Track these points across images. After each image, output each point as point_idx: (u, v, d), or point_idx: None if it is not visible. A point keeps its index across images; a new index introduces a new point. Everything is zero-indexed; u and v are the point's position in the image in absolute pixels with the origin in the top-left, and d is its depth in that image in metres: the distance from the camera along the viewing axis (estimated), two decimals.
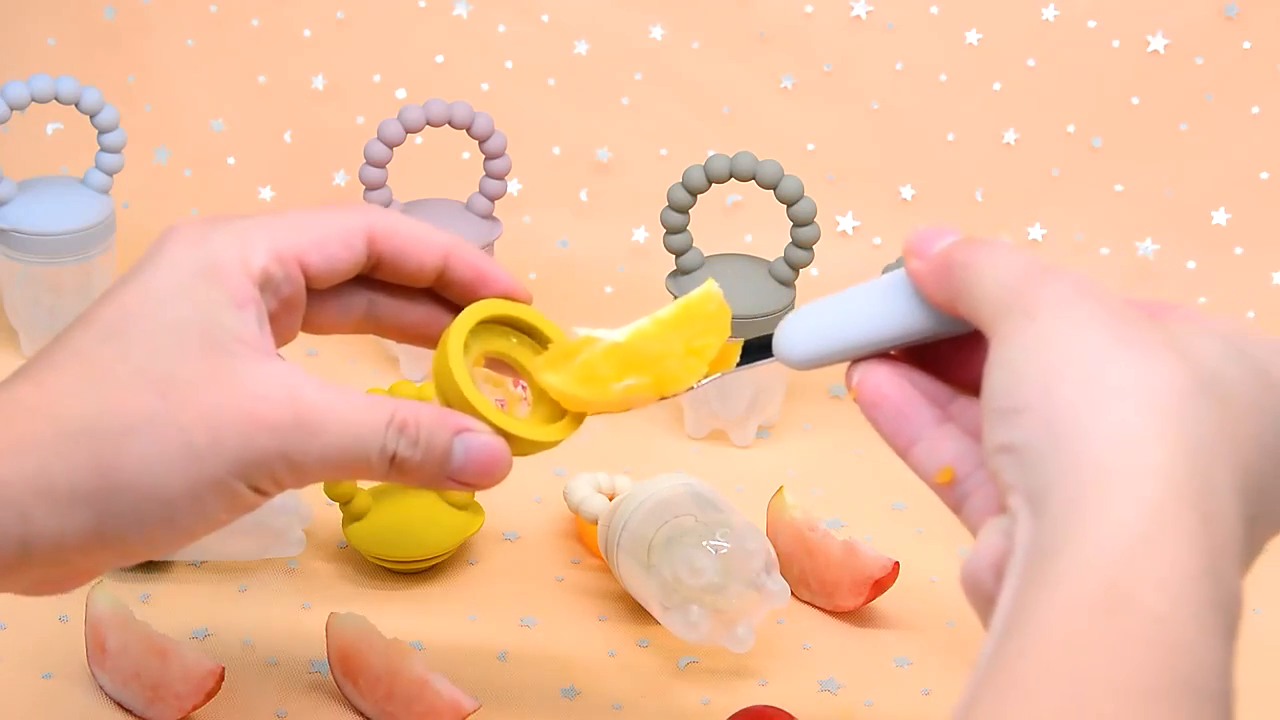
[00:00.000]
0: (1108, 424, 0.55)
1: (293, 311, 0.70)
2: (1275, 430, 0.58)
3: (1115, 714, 0.51)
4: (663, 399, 0.71)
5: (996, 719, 0.51)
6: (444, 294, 0.73)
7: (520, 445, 0.70)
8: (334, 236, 0.70)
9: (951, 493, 0.65)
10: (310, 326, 0.72)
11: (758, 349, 0.70)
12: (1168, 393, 0.55)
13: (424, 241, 0.71)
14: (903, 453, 0.66)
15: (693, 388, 0.71)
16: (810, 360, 0.66)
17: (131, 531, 0.64)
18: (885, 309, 0.65)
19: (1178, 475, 0.54)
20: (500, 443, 0.69)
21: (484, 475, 0.68)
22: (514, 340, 0.73)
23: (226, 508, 0.65)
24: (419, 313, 0.73)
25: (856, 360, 0.66)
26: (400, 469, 0.67)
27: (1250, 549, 0.58)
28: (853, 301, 0.65)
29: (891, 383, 0.65)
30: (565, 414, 0.72)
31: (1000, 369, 0.58)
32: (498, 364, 0.73)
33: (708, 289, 0.72)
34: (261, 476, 0.65)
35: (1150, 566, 0.53)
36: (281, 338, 0.70)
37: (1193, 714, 0.53)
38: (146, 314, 0.65)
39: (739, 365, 0.71)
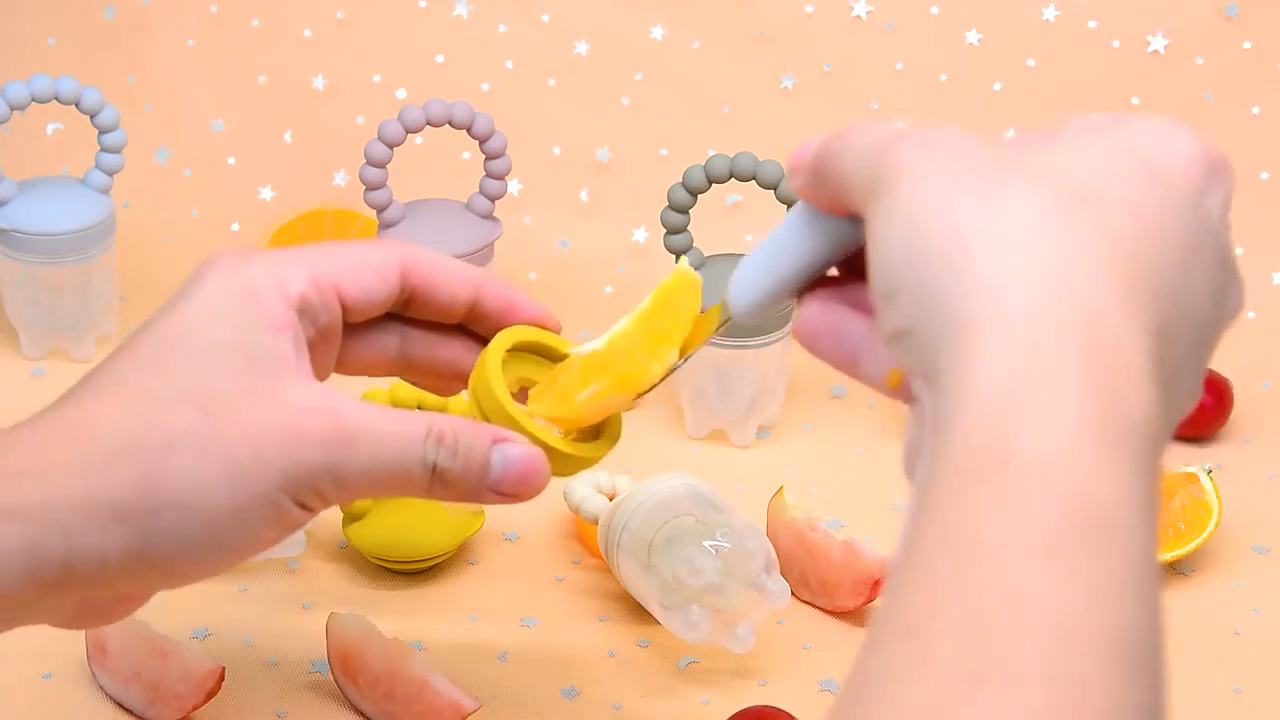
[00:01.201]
0: (970, 278, 0.52)
1: (329, 342, 0.70)
2: (1173, 227, 0.54)
3: (1018, 584, 0.47)
4: (641, 395, 0.71)
5: (901, 608, 0.48)
6: (474, 328, 0.73)
7: (558, 460, 0.70)
8: (368, 266, 0.70)
9: (906, 394, 0.60)
10: (344, 366, 0.72)
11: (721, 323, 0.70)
12: (1024, 224, 0.52)
13: (455, 274, 0.71)
14: (850, 372, 0.62)
15: (672, 369, 0.71)
16: (753, 305, 0.66)
17: (176, 550, 0.64)
18: (800, 237, 0.64)
19: (1044, 308, 0.51)
20: (538, 452, 0.68)
21: (523, 484, 0.68)
22: (545, 368, 0.73)
23: (272, 524, 0.65)
24: (452, 350, 0.73)
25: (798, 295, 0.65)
26: (442, 480, 0.66)
27: (1167, 356, 0.53)
28: (775, 240, 0.65)
29: (820, 309, 0.62)
30: (601, 432, 0.72)
31: (874, 252, 0.55)
32: (527, 392, 0.73)
33: (677, 271, 0.72)
34: (307, 492, 0.65)
35: (1028, 412, 0.49)
36: (318, 371, 0.70)
37: (1104, 560, 0.48)
38: (187, 338, 0.66)
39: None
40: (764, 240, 0.66)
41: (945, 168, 0.54)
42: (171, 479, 0.63)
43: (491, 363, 0.70)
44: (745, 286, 0.66)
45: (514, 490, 0.68)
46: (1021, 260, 0.52)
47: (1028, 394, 0.50)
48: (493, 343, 0.71)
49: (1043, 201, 0.53)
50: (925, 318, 0.53)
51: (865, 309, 0.62)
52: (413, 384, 0.75)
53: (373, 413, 0.66)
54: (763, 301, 0.66)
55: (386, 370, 0.73)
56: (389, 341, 0.73)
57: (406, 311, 0.72)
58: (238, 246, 0.72)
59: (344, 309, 0.70)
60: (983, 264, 0.52)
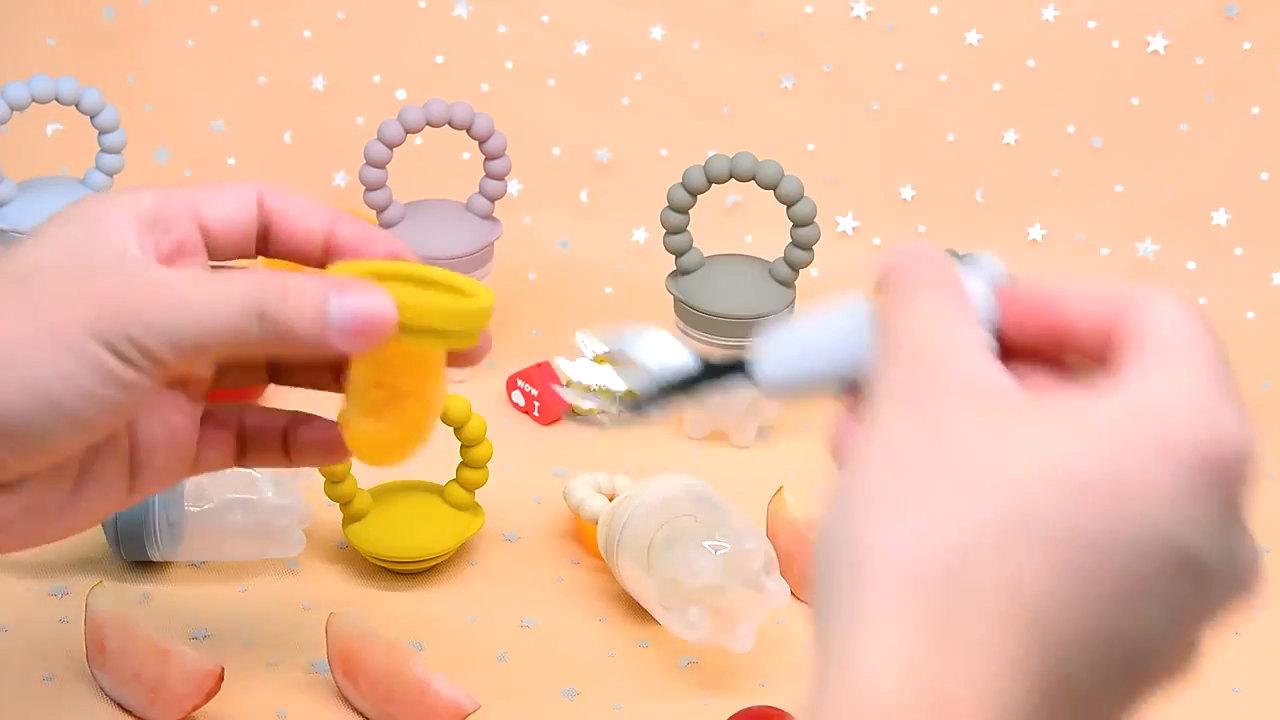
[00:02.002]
0: (859, 601, 0.49)
1: (190, 256, 0.70)
2: (1118, 565, 0.49)
3: None
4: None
5: None
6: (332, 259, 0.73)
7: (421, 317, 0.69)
8: (225, 193, 0.71)
9: None
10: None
11: (729, 369, 0.64)
12: (923, 562, 0.48)
13: (311, 208, 0.72)
14: None
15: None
16: (784, 388, 0.62)
17: (9, 417, 0.64)
18: (852, 339, 0.59)
19: (911, 661, 0.48)
20: (385, 299, 0.67)
21: (366, 331, 0.67)
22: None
23: (100, 379, 0.65)
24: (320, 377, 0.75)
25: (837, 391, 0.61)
26: (273, 324, 0.66)
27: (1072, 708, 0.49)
28: (831, 327, 0.60)
29: (851, 432, 0.58)
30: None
31: (830, 495, 0.52)
32: None
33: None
34: (121, 340, 0.65)
35: None
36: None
37: None
38: (25, 247, 0.67)
39: (710, 383, 0.65)
40: (818, 317, 0.61)
41: (897, 440, 0.51)
42: None
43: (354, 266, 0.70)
44: (780, 363, 0.62)
45: (355, 336, 0.66)
46: (907, 605, 0.48)
47: None
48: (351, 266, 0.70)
49: (954, 543, 0.49)
50: (817, 615, 0.51)
51: None
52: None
53: (200, 271, 0.67)
54: (796, 387, 0.62)
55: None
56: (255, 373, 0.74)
57: (267, 249, 0.72)
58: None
59: (206, 236, 0.70)
60: (877, 597, 0.49)
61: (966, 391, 0.51)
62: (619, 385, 0.65)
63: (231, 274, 0.67)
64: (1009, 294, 0.56)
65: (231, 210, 0.71)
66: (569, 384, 0.66)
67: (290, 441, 0.75)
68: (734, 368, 0.64)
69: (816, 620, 0.51)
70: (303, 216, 0.72)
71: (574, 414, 0.67)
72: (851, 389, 0.59)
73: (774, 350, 0.62)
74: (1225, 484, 0.52)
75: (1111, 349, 0.53)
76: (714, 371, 0.65)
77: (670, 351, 0.65)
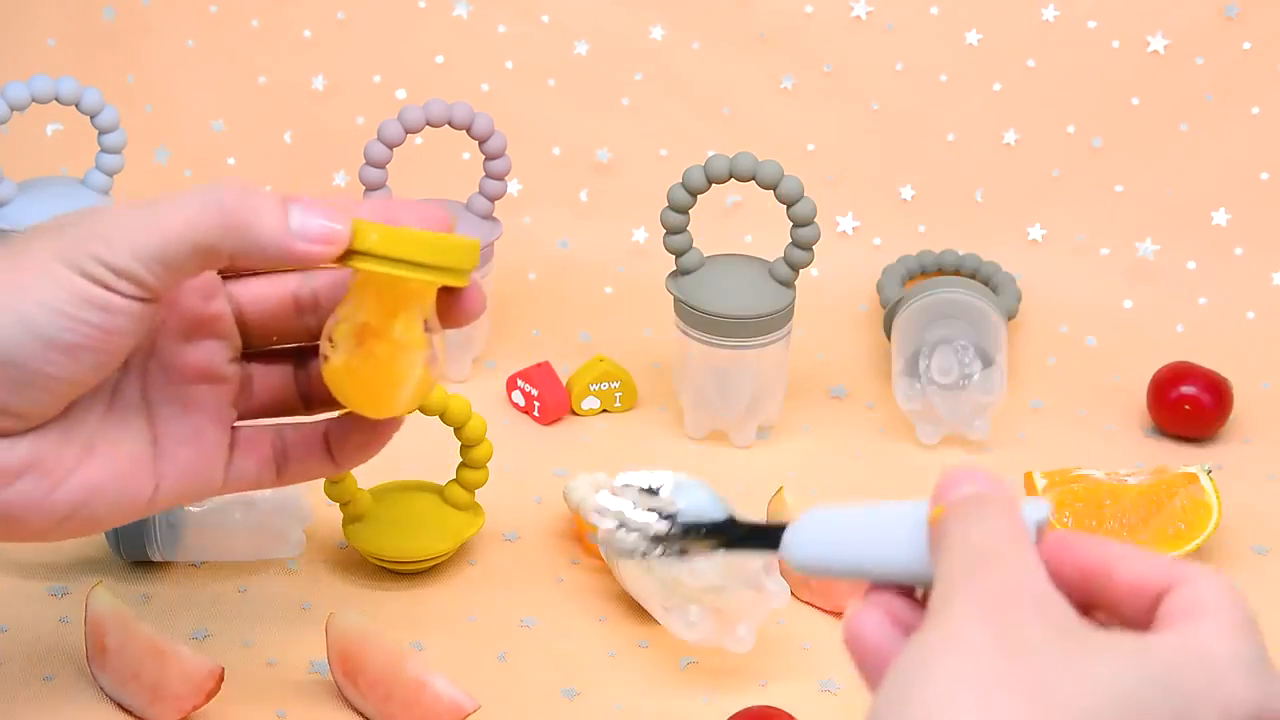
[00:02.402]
0: None
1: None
2: None
3: None
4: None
5: None
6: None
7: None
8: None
9: None
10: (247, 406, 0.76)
11: (761, 537, 0.65)
12: None
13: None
14: (870, 684, 0.61)
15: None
16: (810, 568, 0.62)
17: (5, 351, 0.66)
18: (896, 542, 0.60)
19: None
20: (345, 217, 0.69)
21: (325, 236, 0.68)
22: None
23: (68, 298, 0.66)
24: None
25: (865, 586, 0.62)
26: (235, 224, 0.67)
27: None
28: (879, 524, 0.61)
29: (875, 624, 0.60)
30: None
31: (885, 685, 0.54)
32: None
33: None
34: (84, 257, 0.66)
35: None
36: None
37: None
38: None
39: (738, 548, 0.66)
40: (864, 510, 0.61)
41: (979, 652, 0.53)
42: None
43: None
44: (816, 546, 0.62)
45: (316, 234, 0.68)
46: None
47: None
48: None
49: None
50: None
51: (909, 629, 0.60)
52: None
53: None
54: (821, 571, 0.62)
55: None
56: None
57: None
58: None
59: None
60: None
61: (1041, 611, 0.54)
62: (657, 527, 0.66)
63: (194, 187, 0.68)
64: (1056, 536, 0.58)
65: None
66: (603, 516, 0.66)
67: (333, 440, 0.75)
68: (767, 537, 0.64)
69: None
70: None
71: (603, 547, 0.68)
72: (880, 588, 0.60)
73: (811, 532, 0.62)
74: None
75: (1153, 614, 0.56)
76: (746, 534, 0.66)
77: (708, 504, 0.67)
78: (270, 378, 0.77)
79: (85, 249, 0.67)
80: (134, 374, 0.74)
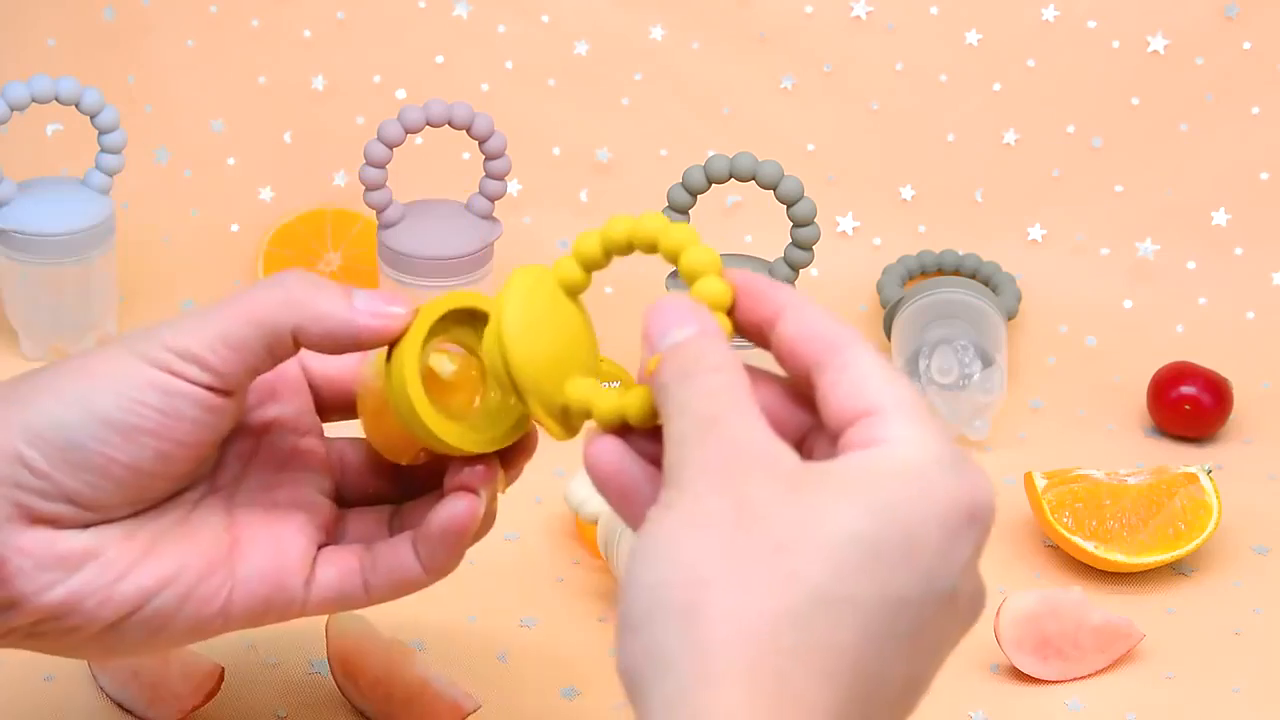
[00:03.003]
0: (698, 661, 0.55)
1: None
2: (899, 615, 0.57)
3: None
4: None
5: None
6: None
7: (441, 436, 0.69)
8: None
9: None
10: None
11: None
12: (756, 625, 0.55)
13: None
14: (623, 512, 0.65)
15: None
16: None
17: (57, 423, 0.66)
18: None
19: (755, 715, 0.54)
20: (403, 307, 0.69)
21: (384, 314, 0.68)
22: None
23: (133, 383, 0.67)
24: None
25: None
26: (300, 305, 0.68)
27: None
28: None
29: (610, 454, 0.65)
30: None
31: (631, 572, 0.57)
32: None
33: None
34: (153, 346, 0.67)
35: None
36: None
37: None
38: None
39: None
40: None
41: (712, 521, 0.57)
42: (34, 371, 0.69)
43: (411, 341, 0.69)
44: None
45: (376, 311, 0.68)
46: (744, 664, 0.55)
47: None
48: (418, 318, 0.70)
49: (783, 608, 0.55)
50: (649, 675, 0.56)
51: (653, 459, 0.64)
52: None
53: None
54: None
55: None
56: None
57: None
58: None
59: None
60: (715, 654, 0.55)
61: (767, 470, 0.58)
62: None
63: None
64: (741, 280, 0.64)
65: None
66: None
67: (420, 548, 0.73)
68: None
69: (648, 677, 0.56)
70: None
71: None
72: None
73: None
74: (979, 529, 0.59)
75: (825, 391, 0.61)
76: None
77: None
78: (364, 518, 0.76)
79: (154, 338, 0.68)
80: (219, 496, 0.73)
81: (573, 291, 0.69)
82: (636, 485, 0.64)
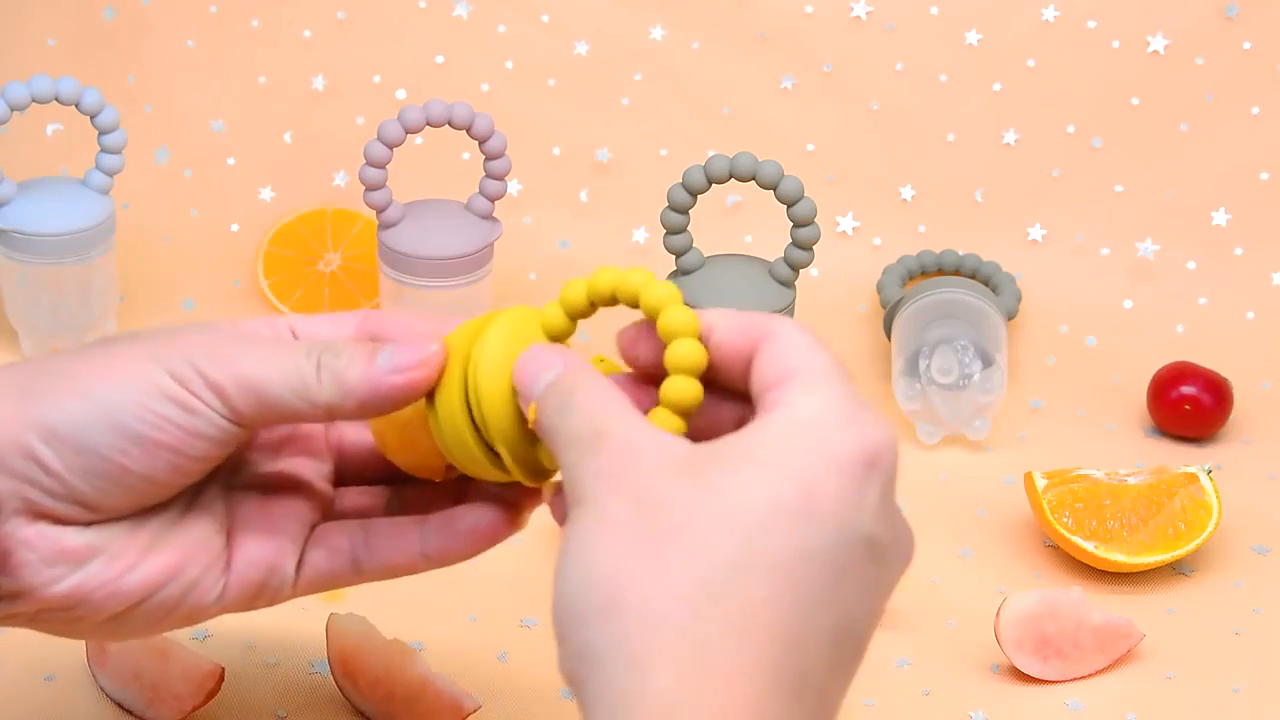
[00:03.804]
0: (622, 651, 0.57)
1: None
2: (816, 573, 0.58)
3: None
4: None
5: None
6: None
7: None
8: (327, 321, 0.73)
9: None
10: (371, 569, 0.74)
11: None
12: (670, 605, 0.57)
13: (411, 326, 0.72)
14: None
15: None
16: None
17: (65, 420, 0.66)
18: None
19: (682, 689, 0.56)
20: (432, 341, 0.68)
21: (416, 360, 0.67)
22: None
23: (158, 399, 0.66)
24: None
25: None
26: (328, 370, 0.67)
27: (807, 686, 0.58)
28: None
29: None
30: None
31: (555, 587, 0.60)
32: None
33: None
34: (183, 366, 0.66)
35: None
36: None
37: None
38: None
39: None
40: None
41: (620, 516, 0.59)
42: (53, 360, 0.68)
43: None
44: None
45: (407, 371, 0.67)
46: (666, 644, 0.57)
47: None
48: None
49: (692, 583, 0.57)
50: (584, 675, 0.58)
51: None
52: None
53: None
54: None
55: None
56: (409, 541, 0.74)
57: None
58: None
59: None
60: (636, 639, 0.57)
61: (658, 461, 0.59)
62: None
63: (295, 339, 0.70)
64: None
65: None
66: None
67: (437, 531, 0.73)
68: None
69: (583, 677, 0.58)
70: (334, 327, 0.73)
71: None
72: None
73: None
74: (882, 474, 0.60)
75: (752, 371, 0.63)
76: None
77: None
78: (359, 495, 0.76)
79: (186, 357, 0.67)
80: (218, 485, 0.72)
81: (556, 339, 0.68)
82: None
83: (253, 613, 0.91)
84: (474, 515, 0.72)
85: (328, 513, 0.74)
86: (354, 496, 0.75)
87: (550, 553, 0.97)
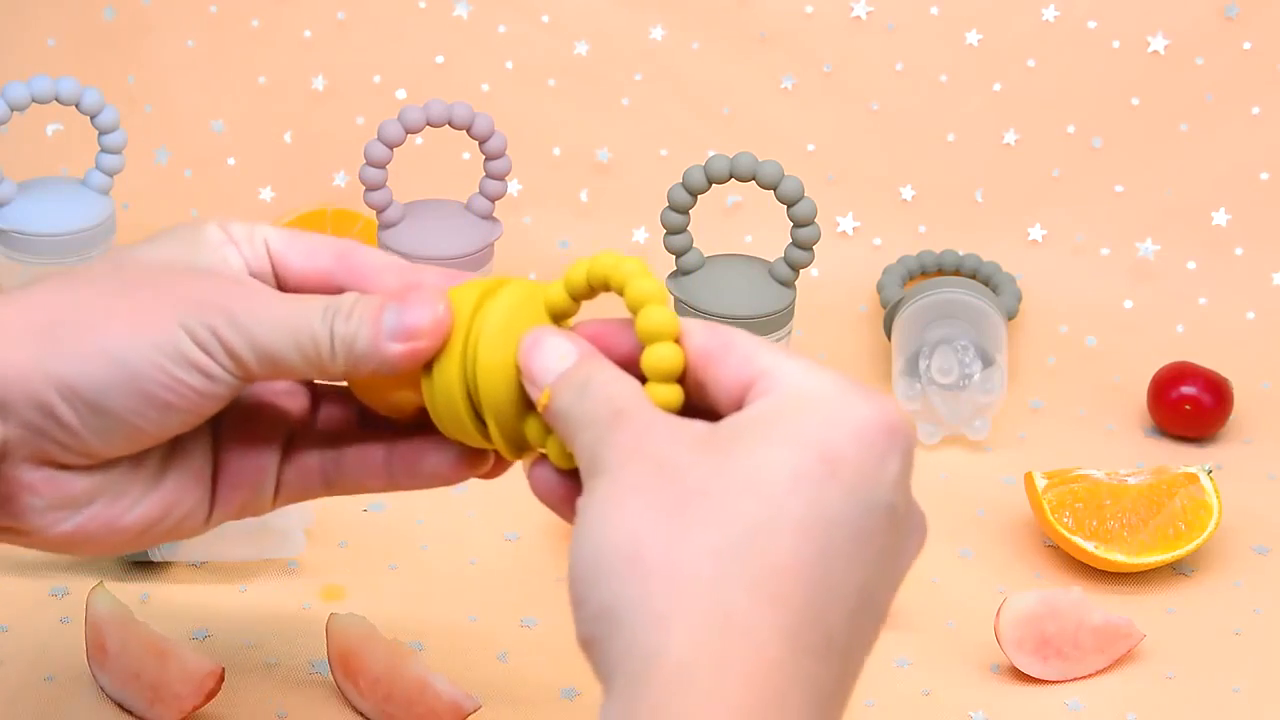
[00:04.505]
0: (644, 607, 0.57)
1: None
2: (838, 536, 0.58)
3: None
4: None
5: None
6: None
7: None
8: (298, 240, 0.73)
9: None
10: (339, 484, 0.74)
11: None
12: (694, 563, 0.57)
13: (314, 249, 0.72)
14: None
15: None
16: None
17: (79, 372, 0.65)
18: None
19: (706, 646, 0.56)
20: (437, 308, 0.67)
21: (423, 328, 0.67)
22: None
23: (174, 359, 0.66)
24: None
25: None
26: (339, 339, 0.67)
27: (831, 653, 0.58)
28: None
29: (544, 477, 0.67)
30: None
31: (573, 552, 0.59)
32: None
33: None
34: (202, 329, 0.66)
35: None
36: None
37: None
38: (130, 246, 0.70)
39: None
40: None
41: (639, 483, 0.59)
42: (73, 303, 0.67)
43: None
44: None
45: (413, 329, 0.67)
46: (691, 602, 0.57)
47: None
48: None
49: (717, 543, 0.57)
50: (604, 636, 0.58)
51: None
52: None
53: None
54: None
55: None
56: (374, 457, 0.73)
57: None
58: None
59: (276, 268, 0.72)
60: (659, 598, 0.57)
61: (676, 437, 0.60)
62: None
63: (311, 294, 0.69)
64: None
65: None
66: None
67: (397, 460, 0.73)
68: None
69: (602, 638, 0.58)
70: (309, 258, 0.72)
71: None
72: None
73: None
74: (902, 443, 0.60)
75: (718, 378, 0.63)
76: None
77: None
78: (333, 408, 0.76)
79: (206, 319, 0.67)
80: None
81: (559, 318, 0.68)
82: (574, 496, 0.65)
83: (253, 613, 0.92)
84: (437, 458, 0.72)
85: (304, 426, 0.75)
86: (327, 408, 0.75)
87: (551, 553, 0.97)
